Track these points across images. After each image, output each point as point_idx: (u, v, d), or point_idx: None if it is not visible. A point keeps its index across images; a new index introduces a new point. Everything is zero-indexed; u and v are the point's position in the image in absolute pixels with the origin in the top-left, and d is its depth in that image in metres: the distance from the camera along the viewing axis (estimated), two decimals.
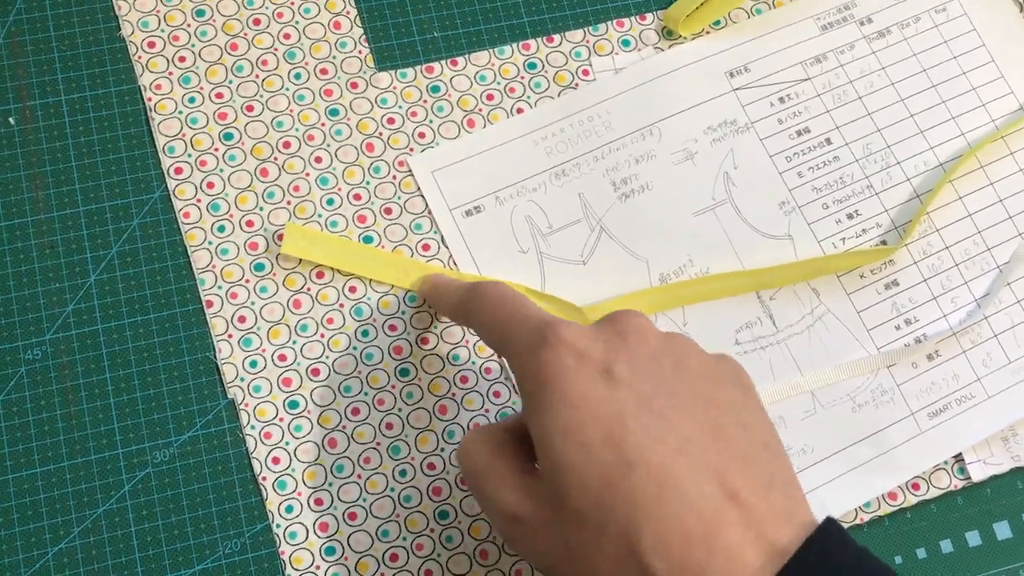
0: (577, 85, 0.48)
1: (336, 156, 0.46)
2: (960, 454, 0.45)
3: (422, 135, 0.46)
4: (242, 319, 0.43)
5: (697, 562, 0.30)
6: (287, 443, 0.42)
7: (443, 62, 0.47)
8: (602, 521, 0.31)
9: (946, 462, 0.45)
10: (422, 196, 0.45)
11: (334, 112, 0.46)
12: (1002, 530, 0.45)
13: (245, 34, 0.46)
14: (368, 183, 0.45)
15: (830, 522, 0.32)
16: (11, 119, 0.44)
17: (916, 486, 0.45)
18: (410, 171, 0.46)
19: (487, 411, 0.43)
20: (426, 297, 0.44)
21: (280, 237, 0.44)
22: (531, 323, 0.35)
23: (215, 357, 0.43)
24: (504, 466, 0.35)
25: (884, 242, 0.47)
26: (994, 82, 0.50)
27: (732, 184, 0.47)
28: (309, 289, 0.44)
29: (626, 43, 0.49)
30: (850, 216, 0.47)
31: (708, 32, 0.49)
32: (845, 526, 0.43)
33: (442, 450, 0.43)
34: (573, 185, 0.46)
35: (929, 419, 0.45)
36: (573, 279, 0.45)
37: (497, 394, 0.44)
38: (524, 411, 0.35)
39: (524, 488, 0.34)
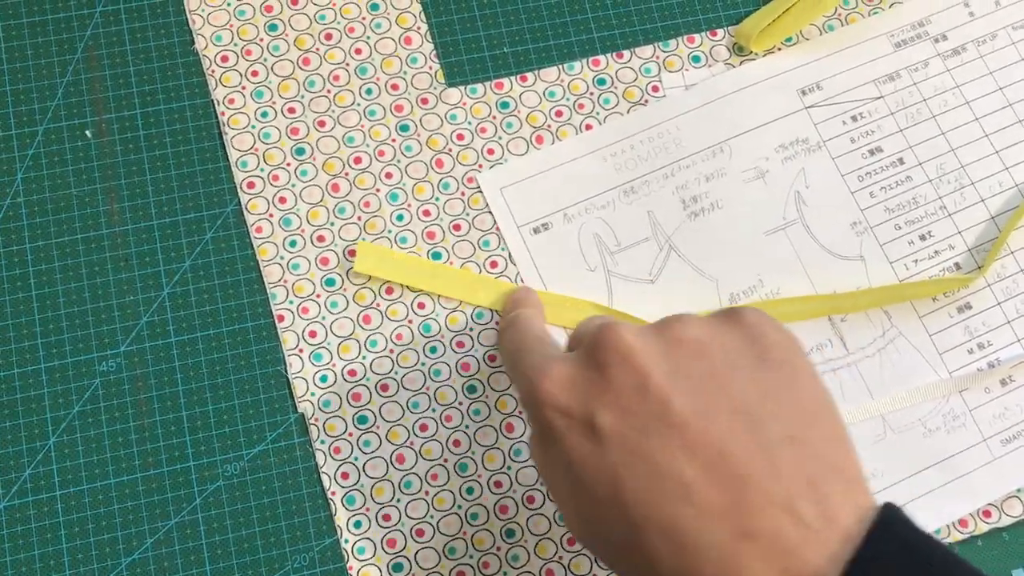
0: (647, 101, 0.48)
1: (406, 172, 0.46)
2: None
3: (491, 151, 0.46)
4: (313, 334, 0.44)
5: None
6: (356, 458, 0.42)
7: (512, 78, 0.47)
8: (630, 568, 0.31)
9: (1019, 490, 0.44)
10: (490, 213, 0.46)
11: (404, 128, 0.46)
12: None
13: (317, 49, 0.47)
14: (437, 199, 0.46)
15: (881, 526, 0.29)
16: (88, 132, 0.45)
17: (987, 513, 0.44)
18: (479, 187, 0.46)
19: None
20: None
21: (351, 253, 0.44)
22: (523, 375, 0.35)
23: (286, 371, 0.43)
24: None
25: (957, 264, 0.46)
26: None
27: (803, 203, 0.47)
28: (379, 305, 0.44)
29: (696, 59, 0.48)
30: (923, 237, 0.47)
31: (780, 49, 0.49)
32: None
33: (508, 468, 0.43)
34: (642, 203, 0.46)
35: (1002, 445, 0.44)
36: (641, 297, 0.45)
37: None
38: None
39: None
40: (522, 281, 0.45)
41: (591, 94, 0.48)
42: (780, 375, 0.31)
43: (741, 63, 0.48)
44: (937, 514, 0.43)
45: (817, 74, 0.48)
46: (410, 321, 0.44)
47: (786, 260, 0.46)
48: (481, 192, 0.46)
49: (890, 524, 0.29)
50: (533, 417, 0.34)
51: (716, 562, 0.29)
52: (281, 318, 0.44)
